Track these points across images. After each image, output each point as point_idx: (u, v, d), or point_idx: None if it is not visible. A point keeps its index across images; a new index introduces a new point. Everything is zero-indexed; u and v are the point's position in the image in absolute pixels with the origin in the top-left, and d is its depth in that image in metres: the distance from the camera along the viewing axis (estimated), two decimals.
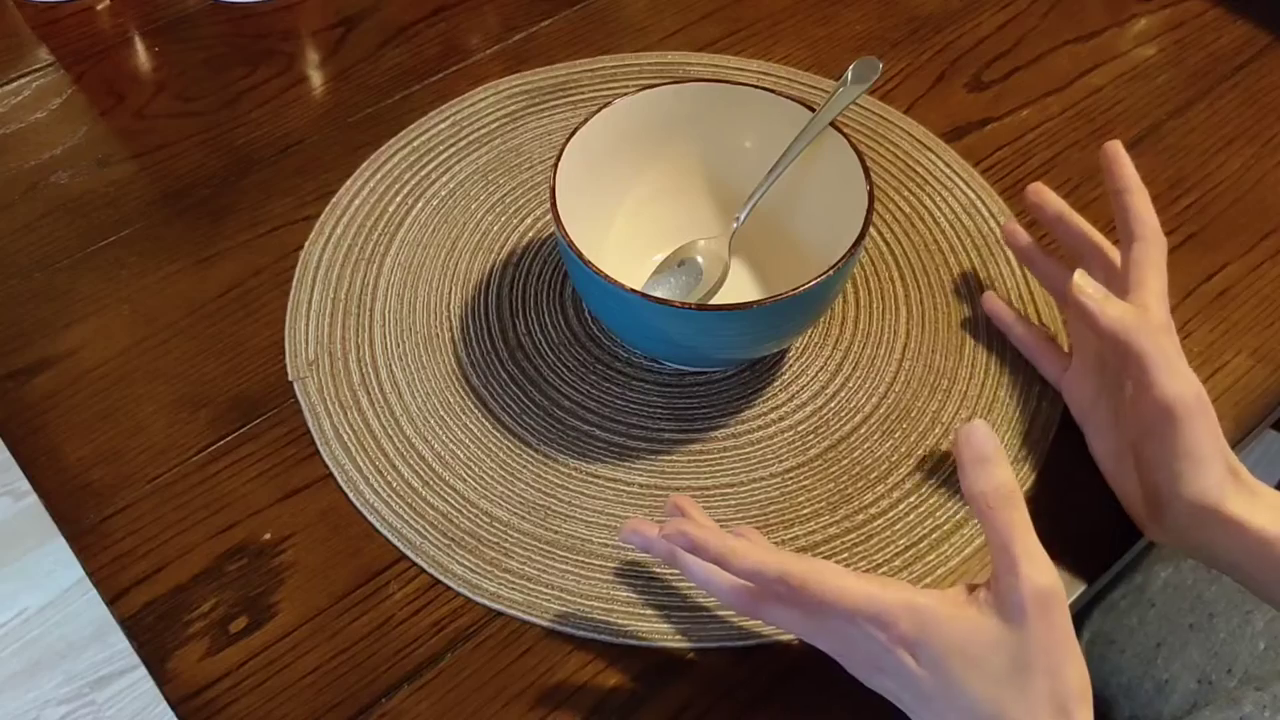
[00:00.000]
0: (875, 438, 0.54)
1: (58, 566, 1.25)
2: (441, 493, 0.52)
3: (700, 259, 0.57)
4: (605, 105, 0.54)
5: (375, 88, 0.70)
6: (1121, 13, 0.75)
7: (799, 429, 0.54)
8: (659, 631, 0.48)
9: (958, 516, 0.51)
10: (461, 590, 0.49)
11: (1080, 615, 0.59)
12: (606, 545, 0.50)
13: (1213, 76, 0.71)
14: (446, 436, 0.54)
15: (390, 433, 0.54)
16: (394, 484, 0.52)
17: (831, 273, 0.47)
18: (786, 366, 0.57)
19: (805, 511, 0.52)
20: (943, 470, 0.53)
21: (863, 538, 0.51)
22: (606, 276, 0.48)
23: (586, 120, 0.53)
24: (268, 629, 0.48)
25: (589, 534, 0.51)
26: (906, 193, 0.64)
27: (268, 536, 0.51)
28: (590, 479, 0.52)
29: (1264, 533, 0.43)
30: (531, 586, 0.49)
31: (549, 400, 0.55)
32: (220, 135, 0.67)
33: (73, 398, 0.55)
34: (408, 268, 0.60)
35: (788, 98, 0.54)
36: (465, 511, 0.51)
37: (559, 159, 0.51)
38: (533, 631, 0.48)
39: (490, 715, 0.46)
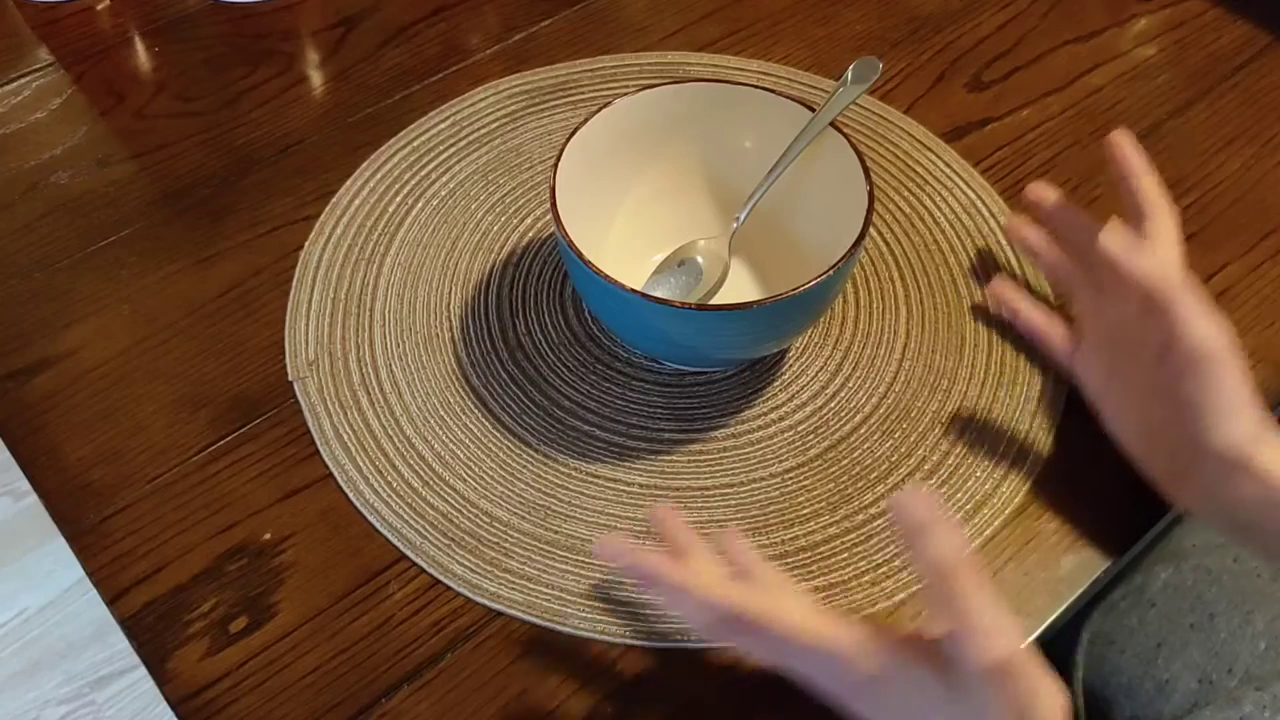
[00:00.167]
0: (875, 438, 0.54)
1: (58, 566, 1.25)
2: (441, 493, 0.52)
3: (700, 259, 0.57)
4: (605, 105, 0.54)
5: (375, 88, 0.70)
6: (1121, 13, 0.75)
7: (799, 429, 0.54)
8: (659, 631, 0.48)
9: (957, 517, 0.51)
10: (461, 590, 0.49)
11: (1080, 615, 0.59)
12: None
13: (1213, 76, 0.71)
14: (446, 436, 0.54)
15: (390, 433, 0.54)
16: (394, 484, 0.52)
17: (831, 273, 0.47)
18: (786, 366, 0.57)
19: (805, 511, 0.52)
20: (943, 470, 0.53)
21: (863, 538, 0.51)
22: (606, 276, 0.47)
23: (586, 120, 0.53)
24: (268, 629, 0.48)
25: (589, 534, 0.51)
26: (906, 193, 0.64)
27: (268, 536, 0.51)
28: (590, 479, 0.52)
29: None
30: (531, 586, 0.49)
31: (549, 400, 0.55)
32: (220, 135, 0.67)
33: (73, 398, 0.55)
34: (408, 268, 0.60)
35: (788, 98, 0.54)
36: (465, 511, 0.51)
37: (559, 159, 0.51)
38: (533, 631, 0.48)
39: (490, 715, 0.46)
